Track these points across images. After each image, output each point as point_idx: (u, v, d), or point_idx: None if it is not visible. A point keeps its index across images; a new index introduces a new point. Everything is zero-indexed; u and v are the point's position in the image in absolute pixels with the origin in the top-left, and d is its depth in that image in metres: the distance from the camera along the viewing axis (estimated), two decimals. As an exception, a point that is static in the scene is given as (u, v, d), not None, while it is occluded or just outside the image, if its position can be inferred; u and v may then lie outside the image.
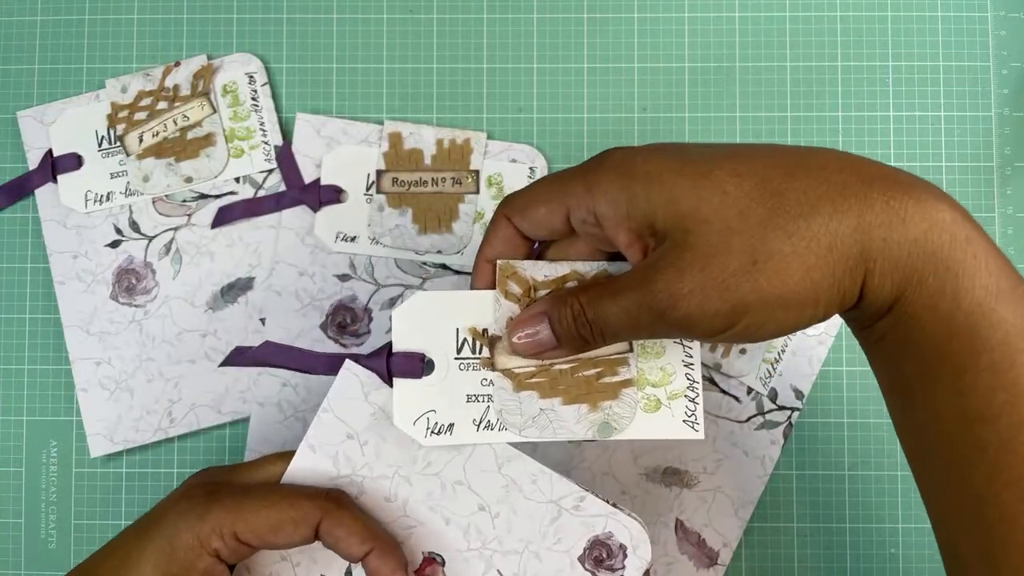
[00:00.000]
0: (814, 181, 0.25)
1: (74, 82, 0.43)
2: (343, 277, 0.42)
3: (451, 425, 0.31)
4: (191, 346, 0.42)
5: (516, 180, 0.42)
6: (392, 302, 0.42)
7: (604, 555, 0.32)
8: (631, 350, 0.31)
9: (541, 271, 0.31)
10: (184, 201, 0.42)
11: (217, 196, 0.42)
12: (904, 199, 0.25)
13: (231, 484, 0.31)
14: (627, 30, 0.43)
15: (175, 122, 0.42)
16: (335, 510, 0.29)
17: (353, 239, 0.42)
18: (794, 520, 0.42)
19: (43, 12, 0.44)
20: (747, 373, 0.41)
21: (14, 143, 0.43)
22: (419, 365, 0.31)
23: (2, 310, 0.43)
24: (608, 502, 0.32)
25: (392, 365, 0.31)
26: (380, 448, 0.32)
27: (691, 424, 0.31)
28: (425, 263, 0.42)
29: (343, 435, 0.32)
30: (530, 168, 0.42)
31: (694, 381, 0.31)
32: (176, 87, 0.42)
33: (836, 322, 0.42)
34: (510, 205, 0.30)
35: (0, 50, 0.44)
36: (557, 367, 0.31)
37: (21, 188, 0.43)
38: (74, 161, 0.42)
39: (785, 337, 0.40)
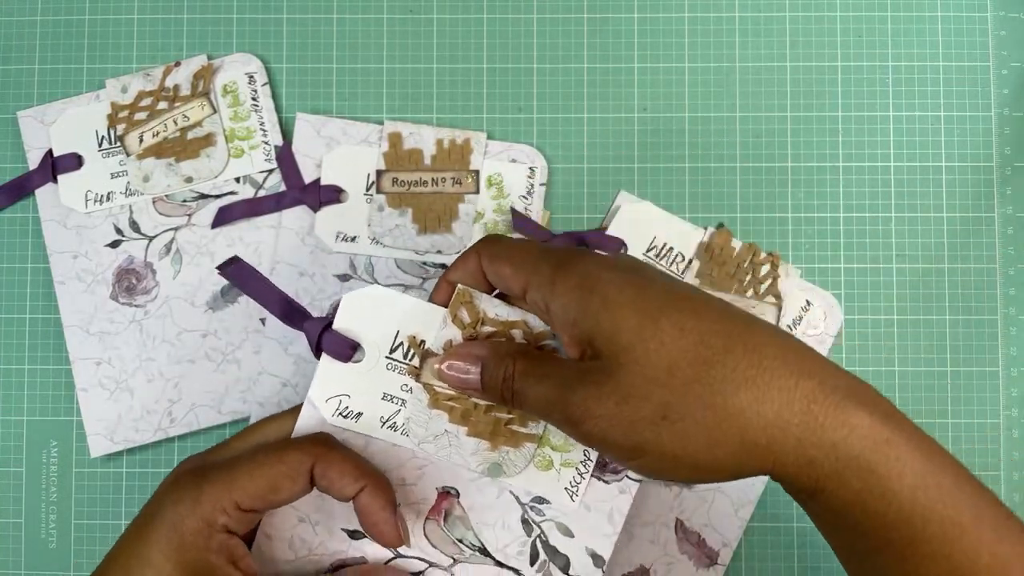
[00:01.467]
0: (747, 361, 0.26)
1: (74, 82, 0.43)
2: (343, 277, 0.42)
3: (359, 414, 0.32)
4: (191, 346, 0.42)
5: (516, 180, 0.42)
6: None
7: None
8: None
9: (494, 309, 0.32)
10: (184, 201, 0.42)
11: (217, 196, 0.42)
12: (825, 404, 0.25)
13: (215, 462, 0.31)
14: (627, 30, 0.43)
15: (175, 122, 0.42)
16: (325, 453, 0.30)
17: (353, 239, 0.42)
18: (794, 520, 0.42)
19: (43, 12, 0.44)
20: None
21: (14, 143, 0.43)
22: (348, 352, 0.32)
23: (2, 310, 0.43)
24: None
25: (324, 341, 0.32)
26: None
27: (571, 494, 0.33)
28: (425, 263, 0.42)
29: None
30: (530, 168, 0.42)
31: (588, 458, 0.33)
32: (176, 87, 0.42)
33: (836, 320, 0.42)
34: (486, 248, 0.31)
35: (0, 50, 0.44)
36: (474, 400, 0.32)
37: (21, 188, 0.43)
38: (74, 161, 0.42)
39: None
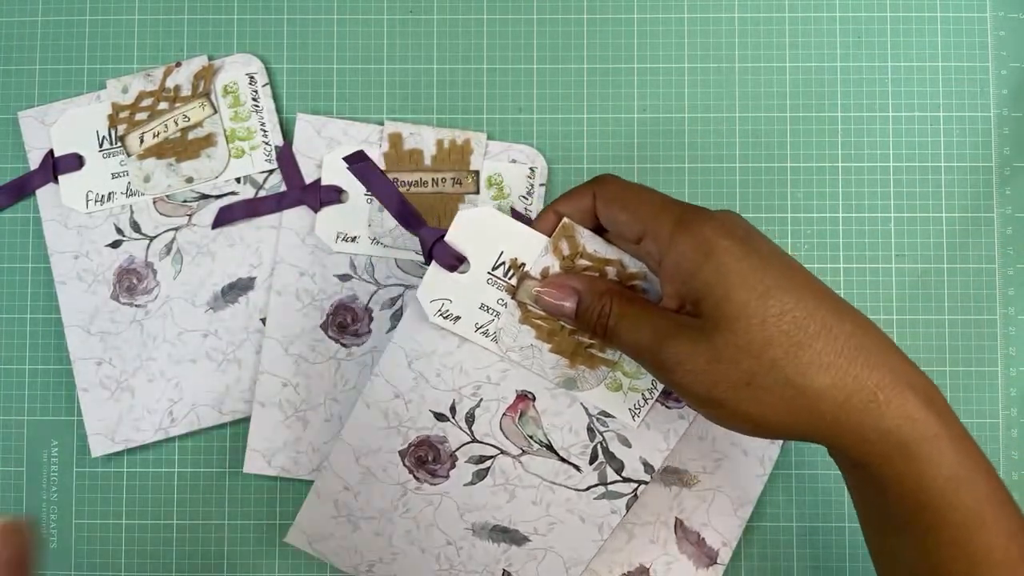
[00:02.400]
0: (833, 348, 0.28)
1: (75, 82, 0.43)
2: (344, 277, 0.42)
3: (458, 318, 0.36)
4: (192, 346, 0.42)
5: (516, 180, 0.42)
6: (393, 302, 0.42)
7: None
8: None
9: (593, 244, 0.34)
10: (185, 201, 0.42)
11: (218, 196, 0.42)
12: (890, 393, 0.28)
13: None
14: (627, 30, 0.44)
15: (176, 122, 0.42)
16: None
17: (354, 239, 0.42)
18: (794, 520, 0.42)
19: (44, 12, 0.44)
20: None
21: (15, 143, 0.43)
22: (455, 263, 0.35)
23: (3, 310, 0.43)
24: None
25: (436, 250, 0.35)
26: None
27: (634, 414, 0.36)
28: (426, 263, 0.42)
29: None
30: (530, 168, 0.42)
31: (655, 388, 0.36)
32: (177, 87, 0.42)
33: None
34: (604, 188, 0.33)
35: (1, 50, 0.44)
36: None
37: (22, 188, 0.43)
38: (75, 161, 0.42)
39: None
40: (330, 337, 0.42)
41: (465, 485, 0.38)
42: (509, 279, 0.35)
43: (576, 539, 0.38)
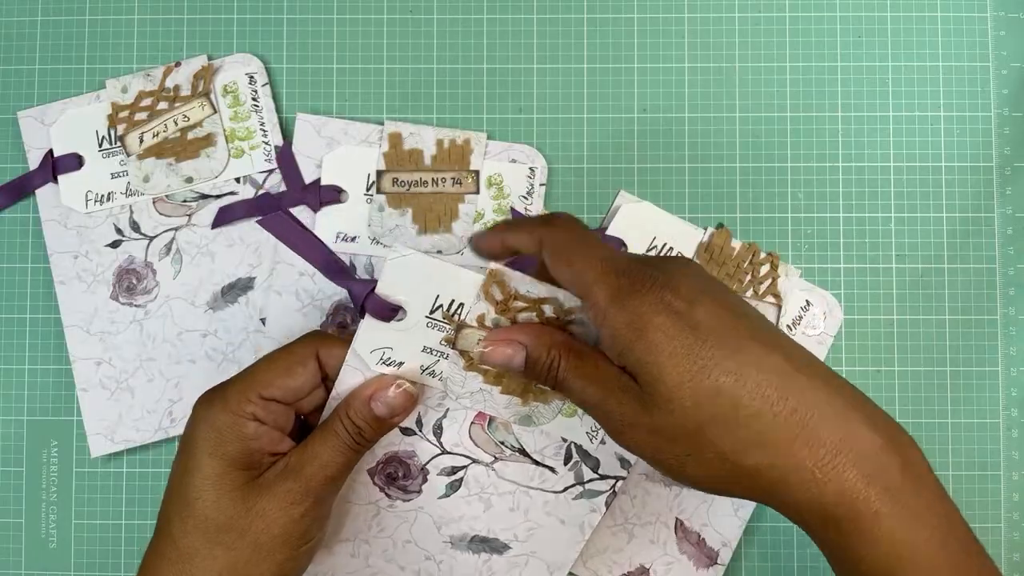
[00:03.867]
0: (771, 425, 0.27)
1: (75, 82, 0.43)
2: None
3: (401, 363, 0.35)
4: (192, 346, 0.42)
5: (516, 180, 0.42)
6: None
7: None
8: None
9: (525, 286, 0.33)
10: (184, 201, 0.42)
11: (217, 196, 0.42)
12: (829, 471, 0.27)
13: (232, 377, 0.34)
14: (627, 30, 0.43)
15: (175, 122, 0.42)
16: (325, 340, 0.35)
17: (353, 239, 0.42)
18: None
19: (43, 12, 0.44)
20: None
21: (15, 143, 0.43)
22: (391, 314, 0.35)
23: (3, 310, 0.43)
24: None
25: (368, 304, 0.35)
26: None
27: (591, 437, 0.37)
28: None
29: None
30: (530, 168, 0.42)
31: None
32: (177, 87, 0.42)
33: (836, 320, 0.42)
34: (552, 235, 0.32)
35: (1, 50, 0.44)
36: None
37: (22, 188, 0.43)
38: (75, 161, 0.42)
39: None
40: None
41: (439, 498, 0.37)
42: (450, 318, 0.34)
43: (557, 542, 0.38)
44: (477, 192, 0.42)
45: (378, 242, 0.42)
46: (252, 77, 0.43)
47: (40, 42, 0.44)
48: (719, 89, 0.43)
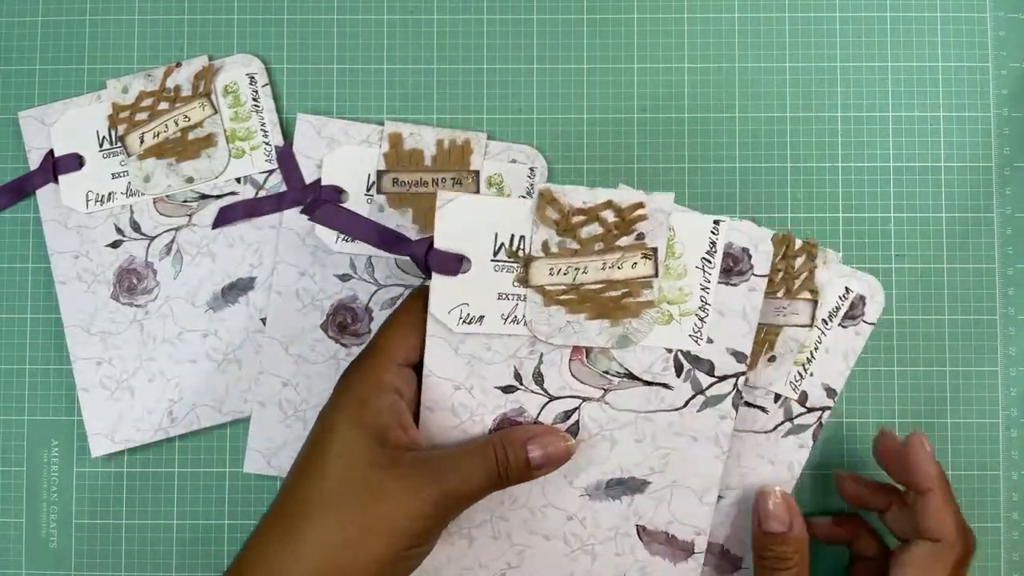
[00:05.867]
0: None
1: (75, 82, 0.43)
2: (344, 277, 0.42)
3: (481, 317, 0.34)
4: (192, 346, 0.42)
5: (516, 180, 0.42)
6: (393, 302, 0.42)
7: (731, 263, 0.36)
8: (656, 274, 0.34)
9: (580, 197, 0.34)
10: (185, 201, 0.42)
11: (218, 196, 0.42)
12: None
13: (361, 354, 0.34)
14: (627, 30, 0.44)
15: (176, 123, 0.42)
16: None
17: (354, 240, 0.42)
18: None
19: (43, 12, 0.44)
20: (775, 382, 0.39)
21: (15, 143, 0.43)
22: (456, 265, 0.34)
23: (3, 310, 0.43)
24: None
25: (431, 260, 0.34)
26: None
27: (695, 339, 0.35)
28: (608, 372, 0.37)
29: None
30: (530, 168, 0.42)
31: (706, 303, 0.34)
32: (177, 88, 0.42)
33: (878, 305, 0.41)
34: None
35: (1, 50, 0.44)
36: (586, 287, 0.34)
37: (22, 188, 0.43)
38: (75, 161, 0.42)
39: (818, 335, 0.39)
40: (330, 337, 0.42)
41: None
42: (515, 254, 0.34)
43: (697, 463, 0.36)
44: (477, 192, 0.42)
45: None
46: (253, 77, 0.43)
47: (40, 42, 0.44)
48: (719, 89, 0.43)
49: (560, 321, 0.34)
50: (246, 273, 0.42)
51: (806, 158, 0.43)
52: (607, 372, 0.35)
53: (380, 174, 0.42)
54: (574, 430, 0.35)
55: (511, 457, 0.33)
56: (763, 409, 0.37)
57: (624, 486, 0.36)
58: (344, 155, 0.42)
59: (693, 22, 0.44)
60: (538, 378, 0.35)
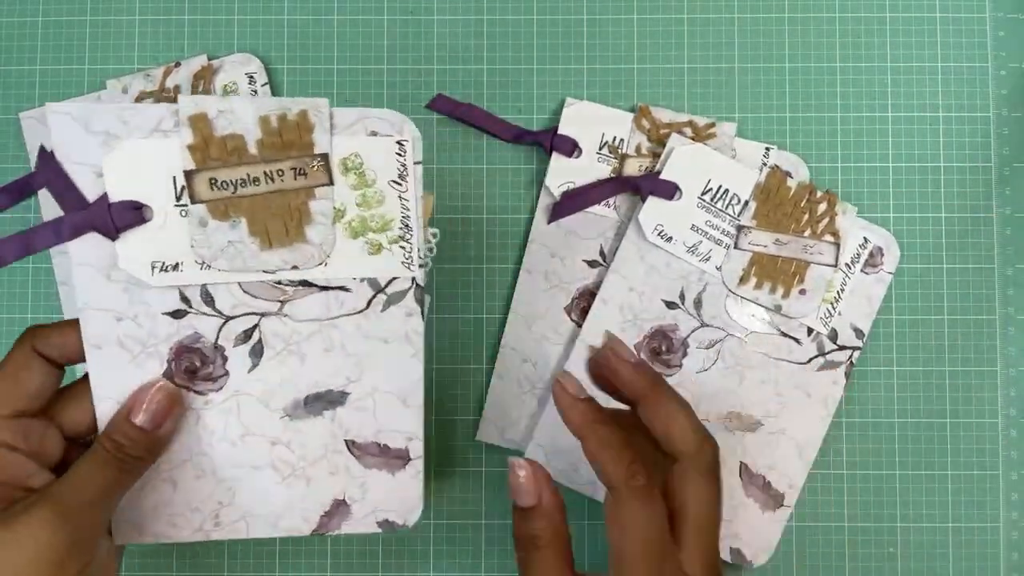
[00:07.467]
0: None
1: (75, 82, 0.43)
2: (176, 314, 0.32)
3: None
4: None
5: (382, 160, 0.32)
6: (247, 335, 0.33)
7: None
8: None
9: (668, 116, 0.42)
10: (279, 283, 0.34)
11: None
12: None
13: None
14: (628, 31, 0.44)
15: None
16: (35, 332, 0.31)
17: (175, 267, 0.32)
18: (792, 519, 0.42)
19: (44, 12, 0.44)
20: (807, 314, 0.41)
21: (16, 143, 0.43)
22: (572, 150, 0.41)
23: (3, 310, 0.43)
24: None
25: (555, 143, 0.41)
26: None
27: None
28: (280, 282, 0.33)
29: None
30: (398, 142, 0.33)
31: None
32: (177, 87, 0.42)
33: (894, 256, 0.42)
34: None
35: (1, 50, 0.44)
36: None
37: (24, 189, 0.42)
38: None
39: (843, 276, 0.41)
40: (179, 385, 0.33)
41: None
42: (614, 149, 0.41)
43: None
44: (330, 183, 0.32)
45: (210, 266, 0.32)
46: (252, 77, 0.43)
47: (40, 42, 0.44)
48: (719, 89, 0.43)
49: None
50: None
51: (806, 158, 0.43)
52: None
53: (190, 175, 0.31)
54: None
55: (120, 435, 0.31)
56: (797, 340, 0.40)
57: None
58: (130, 153, 0.31)
59: (693, 22, 0.44)
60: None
